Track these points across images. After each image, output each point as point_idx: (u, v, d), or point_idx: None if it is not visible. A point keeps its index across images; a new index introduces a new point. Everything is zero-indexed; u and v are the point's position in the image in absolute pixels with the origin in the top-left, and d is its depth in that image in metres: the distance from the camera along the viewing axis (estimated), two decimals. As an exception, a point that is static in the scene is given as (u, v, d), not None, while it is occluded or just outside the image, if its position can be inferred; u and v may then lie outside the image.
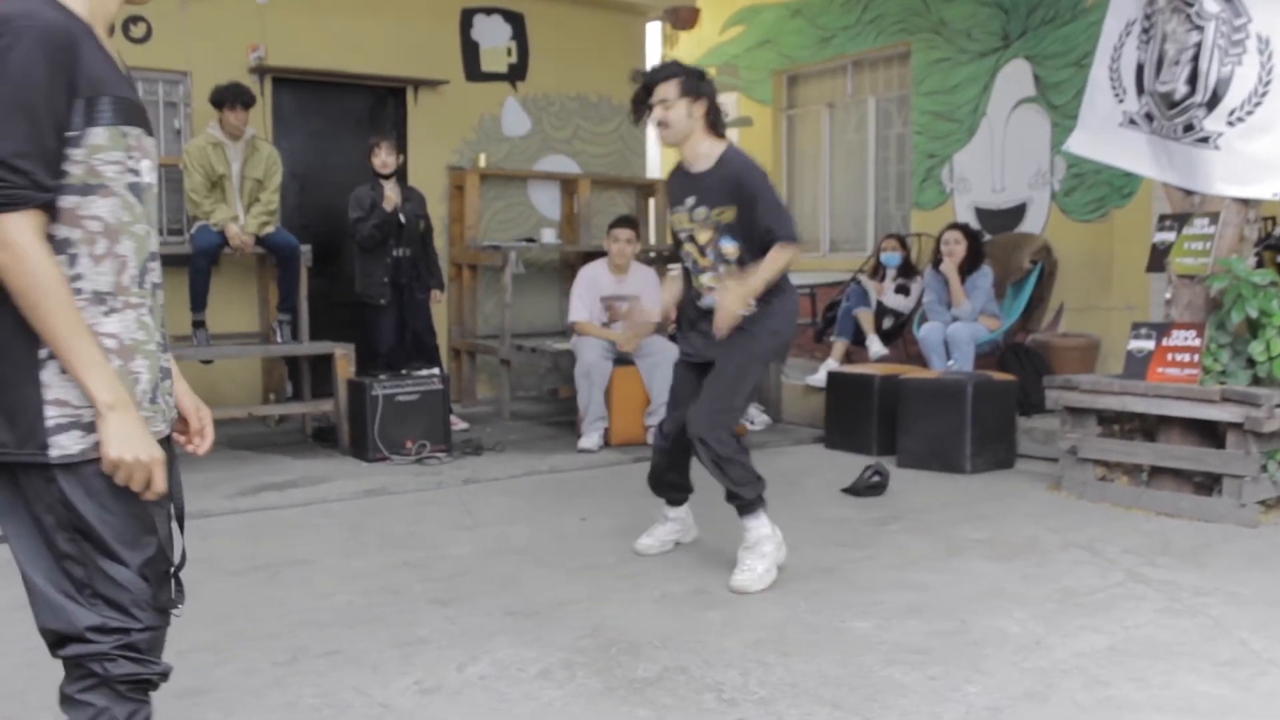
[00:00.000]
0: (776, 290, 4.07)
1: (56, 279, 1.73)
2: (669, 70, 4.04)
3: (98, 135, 1.79)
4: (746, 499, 3.99)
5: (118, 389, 1.77)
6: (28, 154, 1.70)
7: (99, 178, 1.79)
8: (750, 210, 3.94)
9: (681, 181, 4.12)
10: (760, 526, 4.01)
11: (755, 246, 3.98)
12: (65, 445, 1.77)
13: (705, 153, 4.03)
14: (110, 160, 1.81)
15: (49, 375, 1.77)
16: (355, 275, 7.22)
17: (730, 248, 4.02)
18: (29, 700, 2.94)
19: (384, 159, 7.05)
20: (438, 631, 3.49)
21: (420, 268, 7.32)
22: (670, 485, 4.38)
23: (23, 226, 1.70)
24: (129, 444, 1.77)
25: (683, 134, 4.02)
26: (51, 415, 1.76)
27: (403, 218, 7.12)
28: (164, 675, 1.87)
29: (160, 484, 1.82)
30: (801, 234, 3.95)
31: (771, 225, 3.94)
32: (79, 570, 1.79)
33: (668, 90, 3.98)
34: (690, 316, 4.23)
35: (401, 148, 8.34)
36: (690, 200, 4.04)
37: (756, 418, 6.85)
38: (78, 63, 1.76)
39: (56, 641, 1.82)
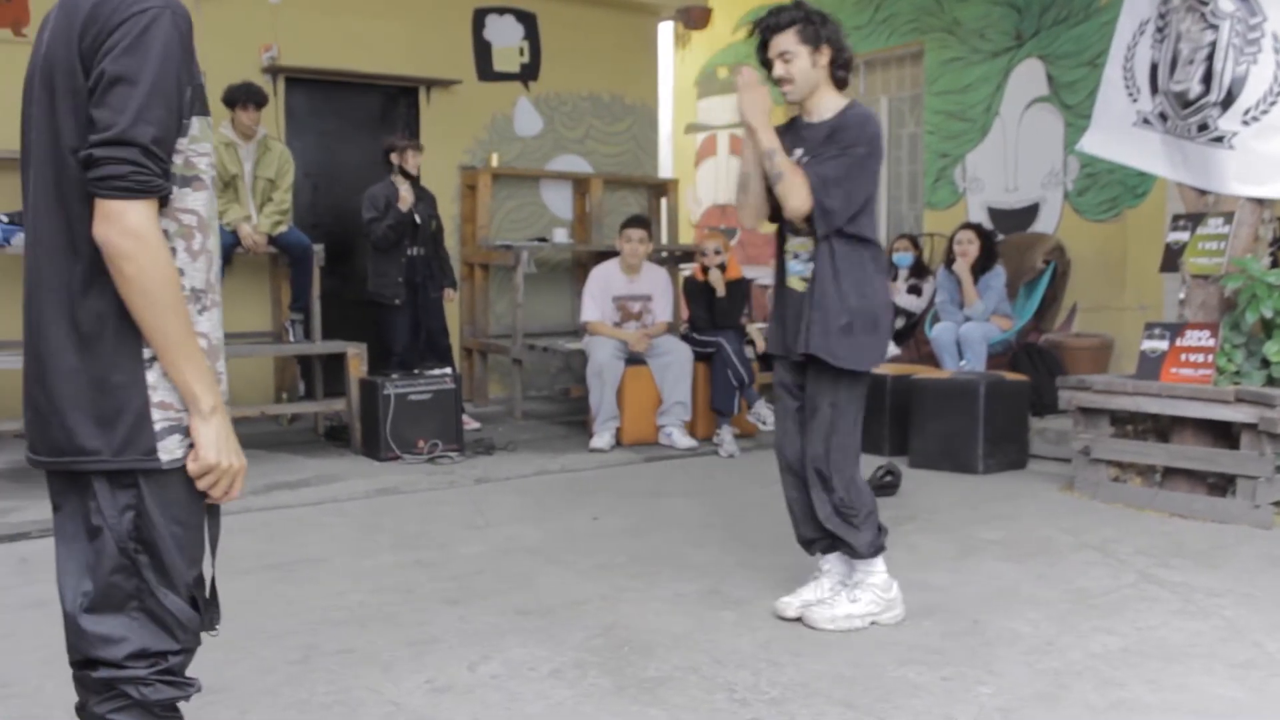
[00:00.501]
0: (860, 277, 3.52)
1: (174, 273, 1.66)
2: (787, 17, 3.51)
3: (195, 125, 1.71)
4: (861, 554, 3.55)
5: (218, 392, 1.73)
6: (162, 140, 1.63)
7: (193, 169, 1.72)
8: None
9: (793, 134, 3.60)
10: (870, 573, 3.56)
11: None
12: (172, 450, 1.70)
13: (829, 107, 3.54)
14: (203, 152, 1.74)
15: (155, 376, 1.69)
16: (369, 275, 7.24)
17: None
18: (42, 698, 2.95)
19: (415, 161, 7.17)
20: (449, 630, 3.49)
21: (433, 267, 7.35)
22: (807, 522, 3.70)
23: (149, 215, 1.62)
24: (226, 450, 1.73)
25: (808, 89, 3.52)
26: (158, 418, 1.69)
27: (417, 218, 7.15)
28: (193, 692, 1.81)
29: (239, 489, 1.78)
30: (833, 219, 3.44)
31: (821, 175, 3.42)
32: (130, 584, 1.71)
33: (787, 41, 3.48)
34: (778, 308, 3.70)
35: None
36: (798, 152, 3.52)
37: (768, 417, 6.85)
38: (193, 48, 1.70)
39: (87, 662, 1.74)
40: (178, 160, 1.69)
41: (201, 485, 1.73)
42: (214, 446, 1.71)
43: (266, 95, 6.85)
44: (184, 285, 1.70)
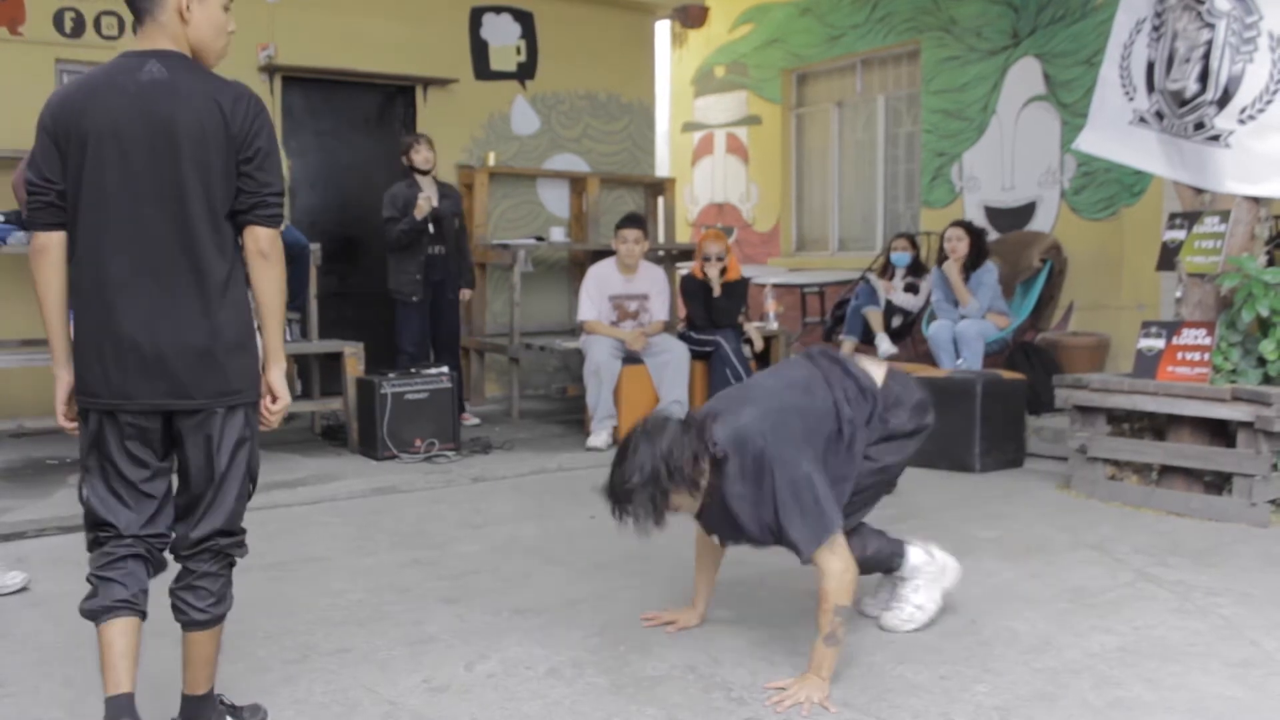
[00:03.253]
0: None
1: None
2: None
3: None
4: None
5: None
6: None
7: None
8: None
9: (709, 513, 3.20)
10: (912, 556, 3.50)
11: None
12: (262, 391, 2.58)
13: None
14: None
15: (258, 342, 2.55)
16: (388, 272, 7.19)
17: None
18: (40, 698, 2.95)
19: (425, 155, 7.12)
20: (447, 629, 3.49)
21: (452, 266, 7.30)
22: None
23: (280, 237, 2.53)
24: (290, 392, 2.64)
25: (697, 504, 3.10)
26: (259, 371, 2.56)
27: (432, 222, 7.08)
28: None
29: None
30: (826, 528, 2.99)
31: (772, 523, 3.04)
32: (240, 484, 2.55)
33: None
34: None
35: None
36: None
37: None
38: None
39: (212, 536, 2.53)
40: None
41: (274, 419, 2.63)
42: (285, 391, 2.61)
43: None
44: None
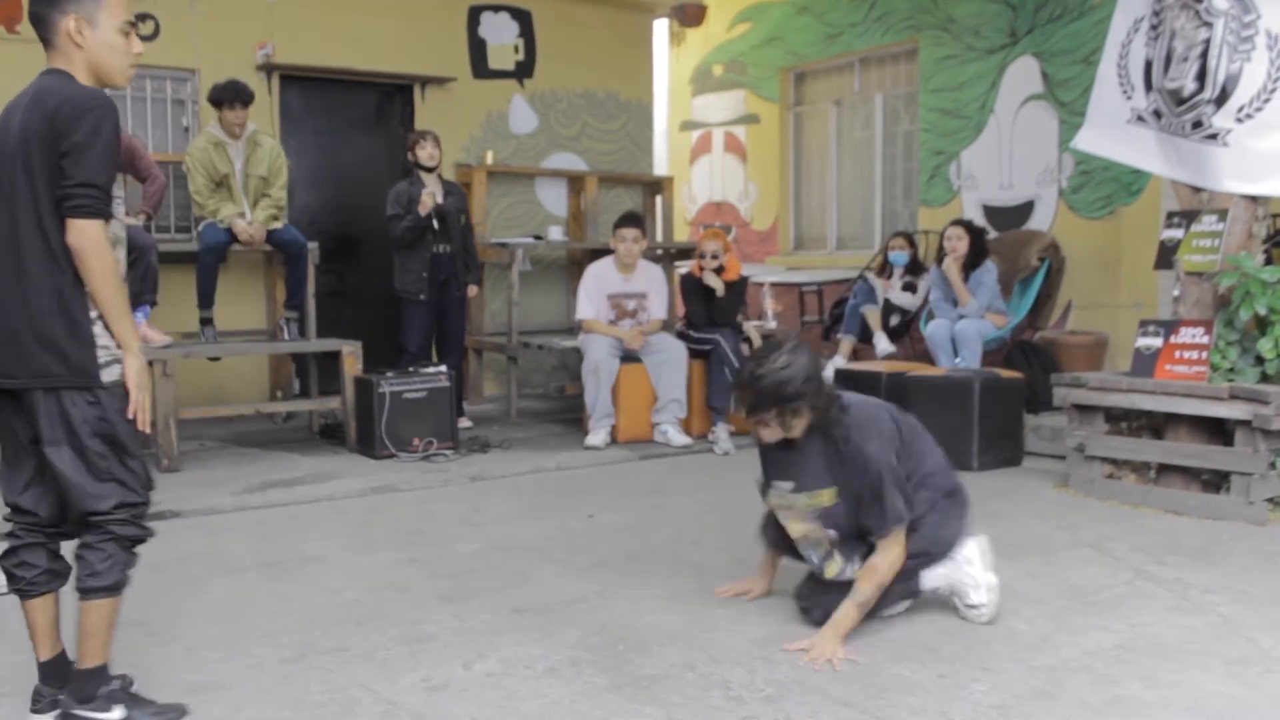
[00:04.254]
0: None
1: (114, 261, 2.67)
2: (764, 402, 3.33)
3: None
4: None
5: (138, 338, 2.71)
6: (109, 186, 2.64)
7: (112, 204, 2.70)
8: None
9: (777, 463, 3.52)
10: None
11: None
12: (112, 374, 2.66)
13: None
14: (117, 194, 2.78)
15: (98, 330, 2.65)
16: (394, 270, 7.16)
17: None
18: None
19: (431, 152, 7.06)
20: (445, 628, 3.49)
21: (458, 264, 7.26)
22: None
23: (101, 229, 2.63)
24: (144, 378, 2.71)
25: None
26: (101, 357, 2.65)
27: (437, 219, 7.04)
28: (150, 536, 2.77)
29: (146, 413, 2.74)
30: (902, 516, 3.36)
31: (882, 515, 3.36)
32: (104, 464, 2.64)
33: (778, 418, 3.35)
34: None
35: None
36: (786, 486, 3.48)
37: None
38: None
39: (84, 516, 2.65)
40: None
41: (140, 418, 2.70)
42: (135, 383, 2.69)
43: (252, 93, 6.77)
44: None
